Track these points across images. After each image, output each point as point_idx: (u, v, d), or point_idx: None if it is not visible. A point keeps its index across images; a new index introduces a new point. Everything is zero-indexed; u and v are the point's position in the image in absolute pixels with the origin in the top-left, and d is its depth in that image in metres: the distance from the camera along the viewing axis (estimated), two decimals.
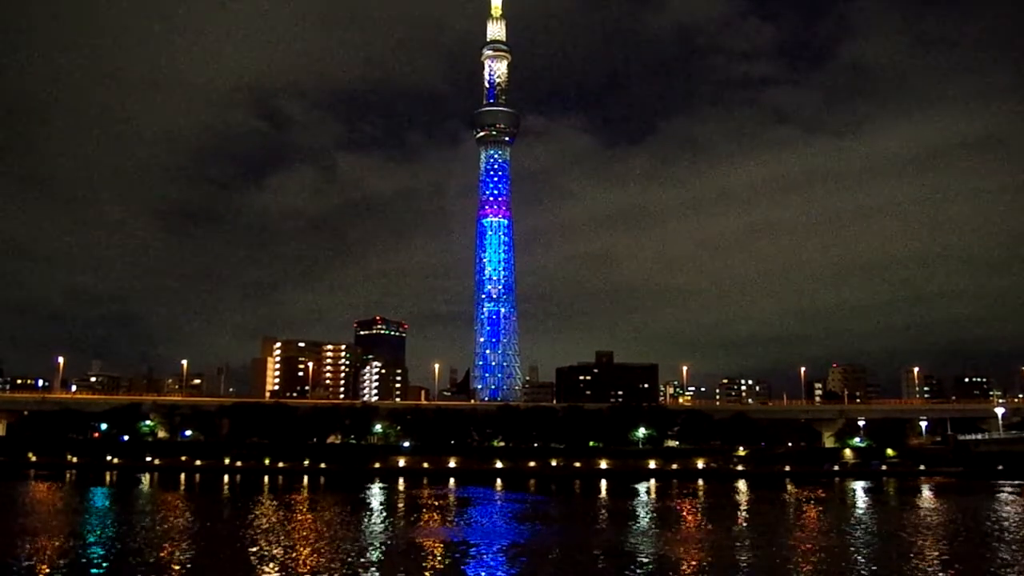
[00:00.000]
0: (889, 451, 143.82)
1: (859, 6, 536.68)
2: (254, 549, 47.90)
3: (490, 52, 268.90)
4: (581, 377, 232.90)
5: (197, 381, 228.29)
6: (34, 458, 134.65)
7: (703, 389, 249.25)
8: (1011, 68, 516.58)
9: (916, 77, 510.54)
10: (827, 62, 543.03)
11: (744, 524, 66.61)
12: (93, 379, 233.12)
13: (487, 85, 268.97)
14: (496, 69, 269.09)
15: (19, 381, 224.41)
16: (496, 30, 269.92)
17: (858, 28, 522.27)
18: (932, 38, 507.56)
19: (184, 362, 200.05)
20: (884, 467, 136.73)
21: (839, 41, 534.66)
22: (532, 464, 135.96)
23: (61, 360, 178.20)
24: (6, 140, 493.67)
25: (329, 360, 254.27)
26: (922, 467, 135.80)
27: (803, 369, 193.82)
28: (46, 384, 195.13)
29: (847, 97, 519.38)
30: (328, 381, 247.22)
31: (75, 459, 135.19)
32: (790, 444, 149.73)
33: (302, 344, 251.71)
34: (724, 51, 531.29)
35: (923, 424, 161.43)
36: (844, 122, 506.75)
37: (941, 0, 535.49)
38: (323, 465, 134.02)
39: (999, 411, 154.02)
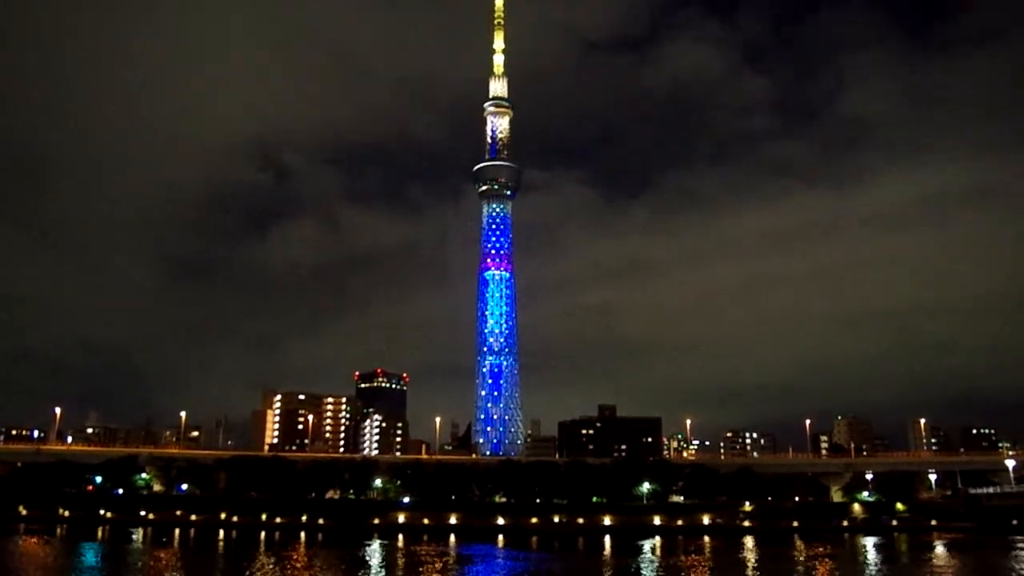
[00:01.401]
0: (899, 505, 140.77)
1: (851, 62, 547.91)
2: None
3: (492, 108, 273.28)
4: (584, 431, 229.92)
5: (195, 433, 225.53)
6: (25, 512, 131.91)
7: (707, 443, 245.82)
8: (1004, 120, 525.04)
9: (911, 129, 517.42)
10: (822, 116, 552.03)
11: None
12: (90, 430, 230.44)
13: (489, 140, 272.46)
14: (498, 124, 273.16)
15: (14, 432, 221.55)
16: (498, 87, 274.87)
17: (851, 83, 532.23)
18: (925, 92, 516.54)
19: (183, 413, 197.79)
20: (895, 522, 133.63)
21: (833, 95, 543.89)
22: (534, 520, 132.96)
23: (58, 411, 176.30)
24: (10, 190, 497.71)
25: (329, 412, 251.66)
26: (933, 522, 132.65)
27: (808, 421, 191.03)
28: (42, 435, 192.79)
29: (844, 149, 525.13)
30: (328, 434, 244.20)
31: (67, 513, 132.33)
32: (797, 498, 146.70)
33: (302, 396, 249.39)
34: (721, 105, 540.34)
35: (932, 477, 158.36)
36: (842, 173, 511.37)
37: (931, 57, 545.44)
38: (321, 521, 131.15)
39: (1009, 463, 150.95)
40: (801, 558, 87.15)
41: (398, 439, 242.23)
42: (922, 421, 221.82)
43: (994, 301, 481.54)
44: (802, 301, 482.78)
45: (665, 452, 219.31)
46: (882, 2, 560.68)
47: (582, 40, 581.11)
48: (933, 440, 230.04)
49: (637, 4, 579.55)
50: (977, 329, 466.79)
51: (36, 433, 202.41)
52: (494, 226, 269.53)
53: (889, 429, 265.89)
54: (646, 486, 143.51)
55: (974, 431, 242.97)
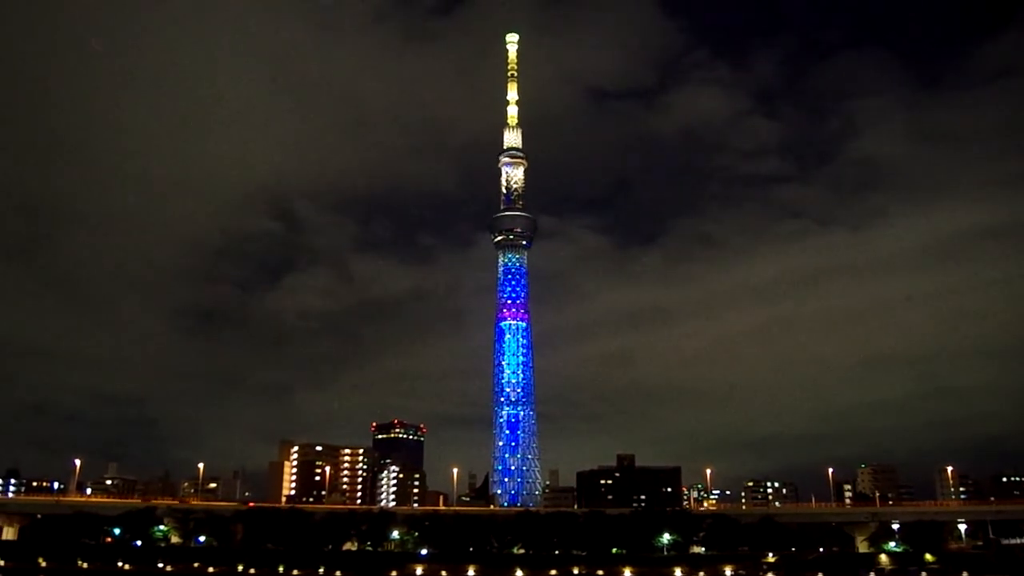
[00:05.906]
0: (928, 556, 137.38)
1: (860, 104, 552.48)
2: None
3: (507, 159, 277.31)
4: (602, 481, 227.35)
5: (213, 485, 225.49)
6: (44, 564, 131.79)
7: (728, 492, 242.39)
8: (1020, 156, 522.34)
9: (926, 169, 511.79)
10: (834, 158, 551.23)
11: None
12: (109, 482, 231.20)
13: (504, 190, 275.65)
14: (513, 175, 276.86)
15: (35, 484, 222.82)
16: (512, 138, 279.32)
17: (863, 125, 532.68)
18: (938, 132, 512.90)
19: (200, 465, 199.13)
20: (923, 573, 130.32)
21: (845, 137, 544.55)
22: (553, 572, 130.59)
23: (78, 463, 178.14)
24: (27, 241, 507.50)
25: (346, 464, 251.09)
26: (964, 574, 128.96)
27: (831, 470, 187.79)
28: (61, 487, 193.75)
29: (857, 191, 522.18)
30: (345, 485, 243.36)
31: (86, 565, 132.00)
32: (821, 549, 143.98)
33: (319, 447, 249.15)
34: (731, 150, 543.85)
35: (962, 527, 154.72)
36: (857, 215, 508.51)
37: (943, 96, 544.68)
38: (338, 573, 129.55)
39: None
40: None
41: (415, 490, 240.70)
42: (949, 469, 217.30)
43: (1019, 343, 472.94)
44: (821, 345, 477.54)
45: (685, 502, 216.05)
46: (892, 44, 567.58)
47: (593, 88, 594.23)
48: (961, 488, 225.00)
49: (648, 50, 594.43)
50: (1004, 372, 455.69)
51: (56, 485, 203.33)
52: (510, 276, 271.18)
53: (915, 477, 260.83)
54: (666, 537, 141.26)
55: (1004, 479, 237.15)
